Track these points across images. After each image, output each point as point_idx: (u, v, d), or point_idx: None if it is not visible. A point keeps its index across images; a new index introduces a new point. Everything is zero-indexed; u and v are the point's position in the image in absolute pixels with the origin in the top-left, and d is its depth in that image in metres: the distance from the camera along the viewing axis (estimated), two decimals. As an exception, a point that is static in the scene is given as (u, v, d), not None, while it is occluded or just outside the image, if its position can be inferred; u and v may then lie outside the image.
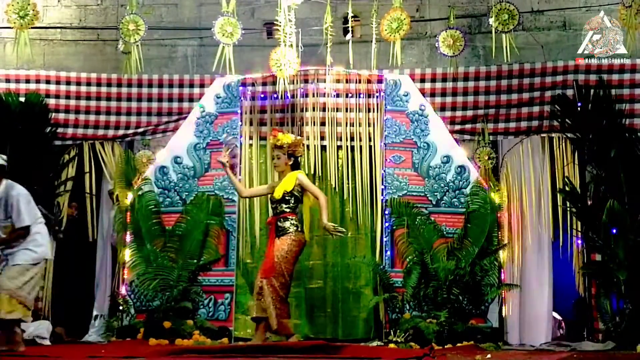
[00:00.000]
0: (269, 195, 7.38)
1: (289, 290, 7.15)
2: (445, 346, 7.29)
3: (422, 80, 8.44)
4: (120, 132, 8.67)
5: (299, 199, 7.21)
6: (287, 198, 7.16)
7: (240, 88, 8.48)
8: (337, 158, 8.39)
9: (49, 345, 7.42)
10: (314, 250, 8.24)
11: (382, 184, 8.26)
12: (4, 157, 6.73)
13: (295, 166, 7.35)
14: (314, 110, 8.40)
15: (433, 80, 8.44)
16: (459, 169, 8.22)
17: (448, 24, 8.28)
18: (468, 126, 8.42)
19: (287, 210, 7.16)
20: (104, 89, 8.69)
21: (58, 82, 8.69)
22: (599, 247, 7.82)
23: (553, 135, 8.33)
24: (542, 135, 8.36)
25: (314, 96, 8.41)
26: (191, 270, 8.10)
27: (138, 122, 8.67)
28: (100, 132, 8.67)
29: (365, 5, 8.43)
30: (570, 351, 7.22)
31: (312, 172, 8.30)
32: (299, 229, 7.14)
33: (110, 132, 8.67)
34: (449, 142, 8.29)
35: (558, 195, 8.26)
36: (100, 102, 8.68)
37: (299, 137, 7.57)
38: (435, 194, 8.21)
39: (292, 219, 7.14)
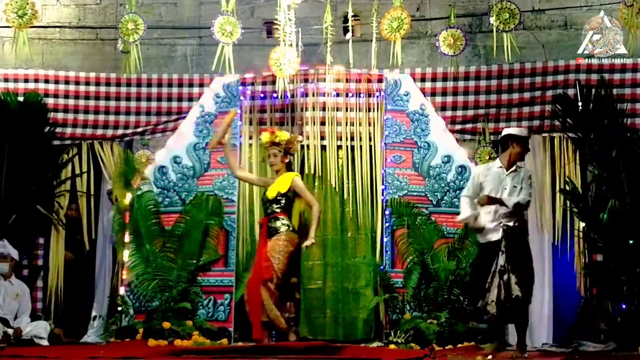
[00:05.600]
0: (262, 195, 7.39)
1: (285, 288, 7.14)
2: (446, 347, 7.28)
3: (423, 80, 8.43)
4: (120, 131, 8.65)
5: (292, 199, 7.23)
6: (278, 198, 7.17)
7: (240, 87, 8.47)
8: (337, 158, 8.37)
9: (47, 346, 7.40)
10: (314, 250, 8.19)
11: (383, 184, 8.23)
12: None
13: (289, 165, 7.39)
14: (314, 109, 8.39)
15: (433, 79, 8.43)
16: (459, 168, 8.20)
17: (449, 23, 8.27)
18: (469, 126, 8.41)
19: (278, 210, 7.18)
20: (103, 89, 8.68)
21: (57, 82, 8.68)
22: (601, 247, 7.81)
23: (554, 134, 8.32)
24: (543, 134, 8.34)
25: (313, 96, 8.40)
26: (190, 271, 8.09)
27: (137, 122, 8.66)
28: (99, 131, 8.66)
29: (365, 5, 8.41)
30: (572, 352, 7.21)
31: (312, 172, 8.29)
32: (291, 229, 7.15)
33: (110, 132, 8.66)
34: (449, 142, 8.27)
35: (559, 195, 8.24)
36: (99, 102, 8.68)
37: (294, 135, 7.60)
38: (436, 194, 8.19)
39: (283, 219, 7.15)
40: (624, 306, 7.54)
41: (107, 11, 9.05)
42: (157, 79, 8.67)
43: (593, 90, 8.04)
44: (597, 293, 7.87)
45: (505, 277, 6.35)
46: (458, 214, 7.96)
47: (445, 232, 8.08)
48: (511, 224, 6.52)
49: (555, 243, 8.30)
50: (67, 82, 8.68)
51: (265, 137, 7.40)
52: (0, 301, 7.62)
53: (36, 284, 8.37)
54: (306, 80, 8.39)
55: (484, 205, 6.62)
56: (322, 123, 8.37)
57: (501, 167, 6.71)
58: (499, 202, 6.56)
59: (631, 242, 7.55)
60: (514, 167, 6.67)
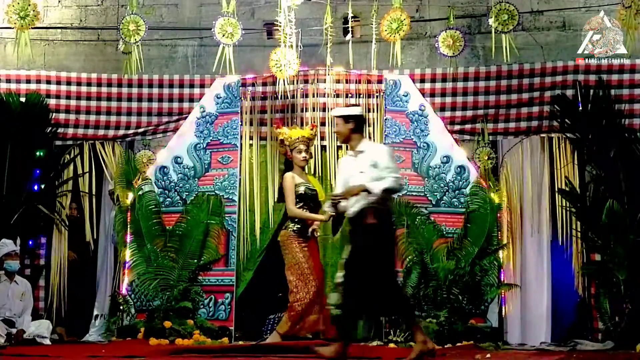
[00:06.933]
0: (298, 195, 7.14)
1: None
2: (445, 346, 7.29)
3: (422, 81, 8.46)
4: (121, 132, 8.68)
5: None
6: None
7: (241, 88, 8.49)
8: (337, 158, 8.39)
9: (49, 345, 7.44)
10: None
11: (382, 184, 8.25)
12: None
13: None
14: (314, 110, 8.42)
15: (433, 80, 8.46)
16: (458, 169, 8.22)
17: (448, 24, 8.30)
18: (468, 126, 8.43)
19: None
20: (104, 89, 8.71)
21: (58, 83, 8.71)
22: (599, 247, 7.84)
23: (552, 135, 8.35)
24: (542, 135, 8.38)
25: (314, 96, 8.43)
26: (191, 270, 8.12)
27: (138, 122, 8.69)
28: (101, 132, 8.69)
29: (365, 6, 8.45)
30: (570, 351, 7.24)
31: (312, 172, 8.32)
32: None
33: (111, 132, 8.69)
34: (448, 142, 8.30)
35: (557, 195, 8.27)
36: (100, 102, 8.70)
37: None
38: (435, 194, 8.22)
39: None
40: (622, 305, 7.57)
41: (108, 12, 9.09)
42: (158, 79, 8.70)
43: (591, 91, 8.09)
44: (595, 292, 7.89)
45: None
46: (458, 214, 8.09)
47: (445, 232, 8.10)
48: (350, 212, 5.67)
49: (554, 243, 8.35)
50: (68, 83, 8.71)
51: (306, 132, 7.33)
52: (10, 305, 7.67)
53: (38, 283, 8.41)
54: (306, 81, 8.43)
55: (353, 195, 5.62)
56: (322, 124, 8.39)
57: (352, 154, 5.93)
58: (365, 189, 5.57)
59: (629, 241, 7.59)
60: (358, 151, 5.83)
